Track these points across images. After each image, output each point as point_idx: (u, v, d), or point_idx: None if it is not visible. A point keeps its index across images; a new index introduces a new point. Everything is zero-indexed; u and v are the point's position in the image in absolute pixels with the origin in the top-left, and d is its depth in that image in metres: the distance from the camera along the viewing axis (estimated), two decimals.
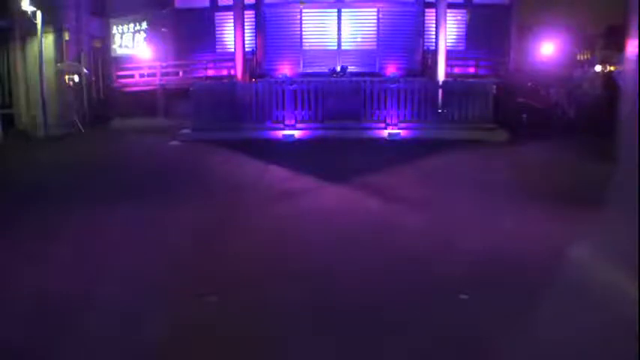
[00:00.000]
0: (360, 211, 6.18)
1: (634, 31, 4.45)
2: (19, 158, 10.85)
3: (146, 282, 4.08)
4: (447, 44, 13.77)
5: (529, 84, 15.75)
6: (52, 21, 14.33)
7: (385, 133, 11.61)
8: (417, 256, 4.56)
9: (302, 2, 14.68)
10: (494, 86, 12.06)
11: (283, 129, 11.63)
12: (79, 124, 14.35)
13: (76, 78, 15.12)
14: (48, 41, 14.57)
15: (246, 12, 14.14)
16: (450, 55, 14.19)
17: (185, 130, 11.76)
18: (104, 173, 8.64)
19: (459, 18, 15.77)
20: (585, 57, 21.05)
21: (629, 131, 4.20)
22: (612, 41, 16.98)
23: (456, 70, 14.95)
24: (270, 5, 15.34)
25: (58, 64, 14.77)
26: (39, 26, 13.78)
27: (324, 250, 4.76)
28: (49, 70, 14.50)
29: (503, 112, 12.40)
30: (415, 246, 4.83)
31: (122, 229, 5.45)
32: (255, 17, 15.40)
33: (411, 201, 6.54)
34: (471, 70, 15.45)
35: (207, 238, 5.16)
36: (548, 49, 16.94)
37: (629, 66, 4.62)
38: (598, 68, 20.09)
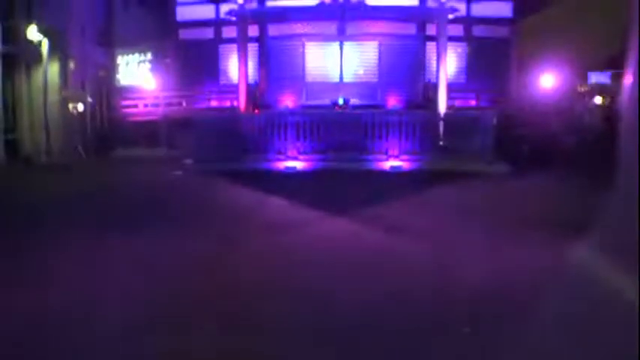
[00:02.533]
0: (361, 241, 6.17)
1: (632, 60, 4.55)
2: (21, 184, 10.87)
3: (147, 304, 4.13)
4: (448, 77, 13.95)
5: (530, 115, 15.87)
6: (58, 49, 14.52)
7: (387, 164, 11.65)
8: (414, 285, 4.61)
9: None
10: (495, 118, 12.14)
11: (285, 160, 11.67)
12: (82, 152, 14.45)
13: (80, 106, 15.25)
14: (53, 69, 14.74)
15: (249, 44, 14.35)
16: (451, 87, 14.36)
17: (188, 161, 11.80)
18: (106, 202, 8.61)
19: (459, 51, 16.02)
20: (585, 88, 21.21)
21: (628, 157, 4.28)
22: (612, 72, 17.20)
23: (457, 103, 15.09)
24: (274, 38, 15.58)
25: (63, 92, 14.92)
26: (45, 54, 13.96)
27: (324, 279, 4.81)
28: (53, 98, 14.64)
29: (505, 143, 12.44)
30: (413, 275, 4.88)
31: (117, 259, 5.44)
32: (259, 50, 15.64)
33: (411, 232, 6.53)
34: (472, 102, 15.61)
35: (209, 264, 5.23)
36: (548, 80, 17.12)
37: (627, 93, 4.74)
38: (598, 99, 20.22)
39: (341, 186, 9.86)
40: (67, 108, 14.98)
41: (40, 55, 14.03)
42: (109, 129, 16.13)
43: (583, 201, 7.53)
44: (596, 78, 20.86)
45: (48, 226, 6.74)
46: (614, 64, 16.00)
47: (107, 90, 16.68)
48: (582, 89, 21.00)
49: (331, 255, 5.61)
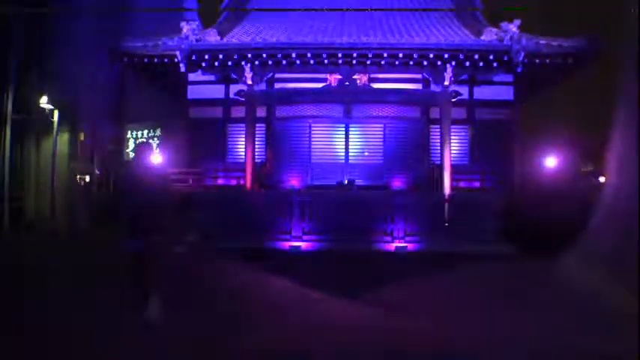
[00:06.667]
0: (363, 324, 6.05)
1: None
2: (22, 255, 10.79)
3: None
4: (452, 158, 14.14)
5: (534, 196, 15.93)
6: (69, 120, 14.82)
7: (392, 246, 11.59)
8: None
9: None
10: (499, 199, 12.19)
11: (290, 240, 11.62)
12: (86, 223, 14.42)
13: (87, 178, 15.41)
14: (63, 139, 14.98)
15: (257, 125, 14.67)
16: (455, 168, 14.51)
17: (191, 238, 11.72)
18: (107, 277, 8.48)
19: (462, 134, 16.32)
20: (589, 168, 21.41)
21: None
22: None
23: (462, 184, 15.19)
24: (281, 119, 15.94)
25: (72, 164, 15.10)
26: (55, 124, 14.24)
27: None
28: (61, 168, 14.80)
29: (510, 224, 12.41)
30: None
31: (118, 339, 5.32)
32: (266, 130, 15.96)
33: (413, 315, 6.43)
34: (476, 183, 15.69)
35: (210, 341, 5.28)
36: (551, 160, 17.33)
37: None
38: (603, 179, 20.33)
39: (345, 268, 9.77)
40: (75, 179, 15.11)
41: (50, 125, 14.31)
42: (114, 201, 16.17)
43: None
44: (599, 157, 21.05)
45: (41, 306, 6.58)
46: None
47: (115, 163, 16.89)
48: (586, 168, 21.20)
49: (331, 334, 5.55)
